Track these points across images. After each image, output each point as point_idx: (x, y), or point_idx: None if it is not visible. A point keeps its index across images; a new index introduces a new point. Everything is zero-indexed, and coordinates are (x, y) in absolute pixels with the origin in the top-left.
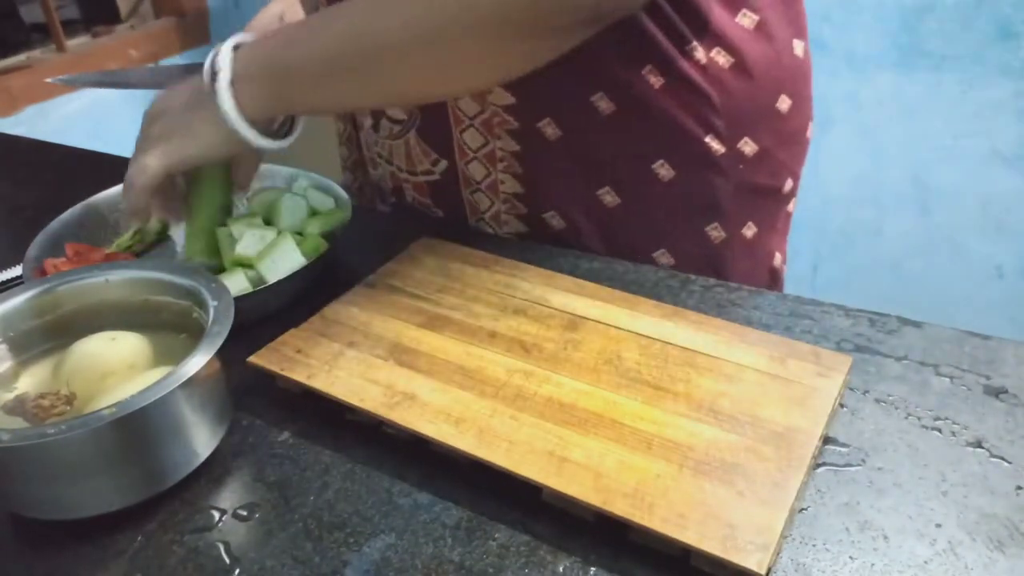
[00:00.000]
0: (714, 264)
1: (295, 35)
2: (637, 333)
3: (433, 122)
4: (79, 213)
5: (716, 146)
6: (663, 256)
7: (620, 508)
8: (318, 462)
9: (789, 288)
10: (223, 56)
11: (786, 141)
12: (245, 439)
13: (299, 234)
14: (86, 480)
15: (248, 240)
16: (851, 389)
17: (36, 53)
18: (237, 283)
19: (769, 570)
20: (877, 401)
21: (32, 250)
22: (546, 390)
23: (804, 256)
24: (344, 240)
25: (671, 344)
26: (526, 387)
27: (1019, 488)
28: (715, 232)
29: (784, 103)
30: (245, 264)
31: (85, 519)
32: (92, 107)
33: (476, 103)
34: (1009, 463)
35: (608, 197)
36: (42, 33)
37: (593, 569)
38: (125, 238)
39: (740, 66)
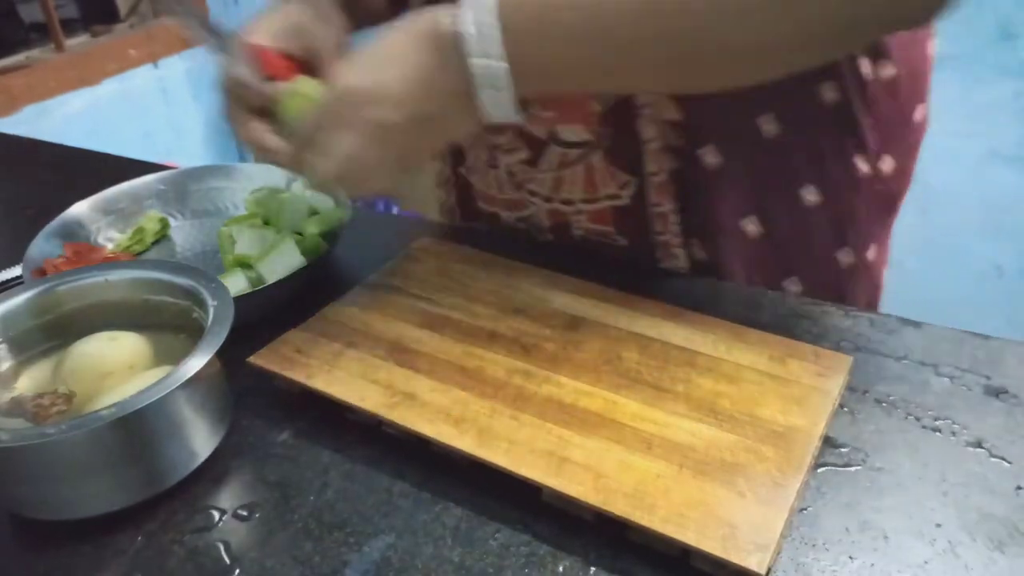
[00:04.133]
0: (840, 290)
1: (593, 22)
2: (637, 333)
3: (623, 140)
4: (79, 213)
5: (862, 166)
6: (792, 284)
7: (620, 508)
8: (318, 462)
9: None
10: (484, 15)
11: (913, 152)
12: (245, 439)
13: (299, 234)
14: (86, 480)
15: (248, 240)
16: (851, 389)
17: (35, 53)
18: (237, 283)
19: (769, 570)
20: (877, 401)
21: (32, 250)
22: (546, 390)
23: None
24: (344, 240)
25: (671, 344)
26: (526, 387)
27: (1019, 488)
28: (845, 257)
29: (919, 113)
30: (245, 264)
31: (85, 519)
32: (92, 107)
33: (653, 124)
34: (1009, 463)
35: (751, 227)
36: (41, 33)
37: (593, 569)
38: (124, 239)
39: (898, 79)
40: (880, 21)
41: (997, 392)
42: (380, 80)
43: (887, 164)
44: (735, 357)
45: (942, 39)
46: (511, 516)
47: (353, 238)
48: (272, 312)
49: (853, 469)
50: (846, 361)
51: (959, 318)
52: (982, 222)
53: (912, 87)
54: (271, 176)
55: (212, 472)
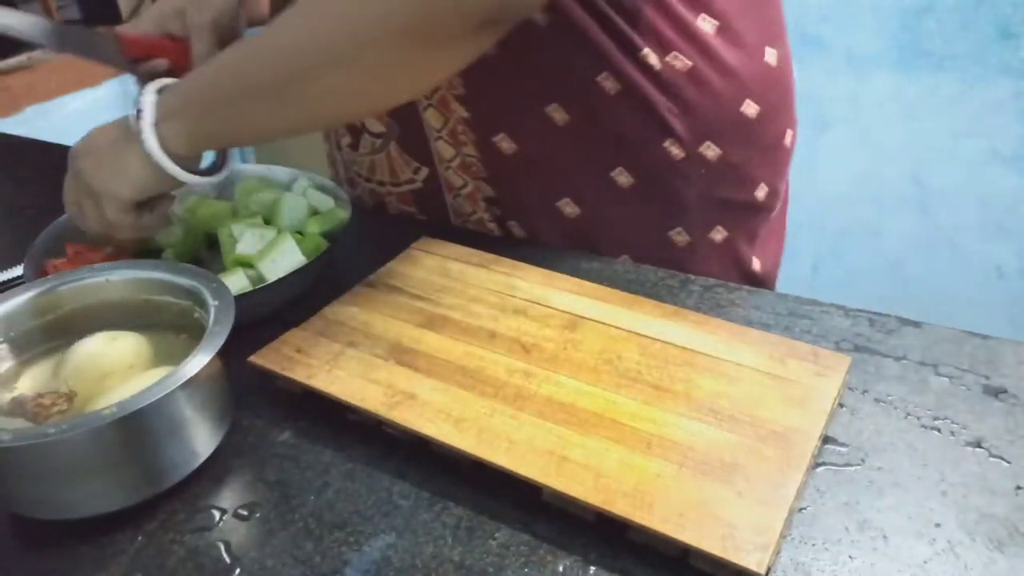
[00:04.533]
0: (679, 267)
1: (211, 69)
2: (637, 333)
3: (411, 132)
4: None
5: (676, 151)
6: (626, 262)
7: (620, 508)
8: (318, 462)
9: (788, 288)
10: (147, 97)
11: (756, 148)
12: (245, 439)
13: (299, 234)
14: (86, 480)
15: (248, 239)
16: (850, 389)
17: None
18: (237, 282)
19: (768, 570)
20: (876, 401)
21: (32, 250)
22: (546, 390)
23: (803, 256)
24: (344, 240)
25: (671, 344)
26: (526, 387)
27: (1018, 488)
28: (679, 236)
29: (751, 108)
30: (245, 263)
31: (85, 519)
32: (92, 107)
33: (440, 115)
34: (1008, 463)
35: (568, 208)
36: None
37: (593, 568)
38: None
39: (699, 71)
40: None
41: (996, 392)
42: (101, 129)
43: (711, 151)
44: (735, 357)
45: (942, 39)
46: (511, 516)
47: (353, 238)
48: (272, 312)
49: (852, 469)
50: (845, 361)
51: (959, 318)
52: (982, 222)
53: (735, 83)
54: (271, 176)
55: (212, 472)
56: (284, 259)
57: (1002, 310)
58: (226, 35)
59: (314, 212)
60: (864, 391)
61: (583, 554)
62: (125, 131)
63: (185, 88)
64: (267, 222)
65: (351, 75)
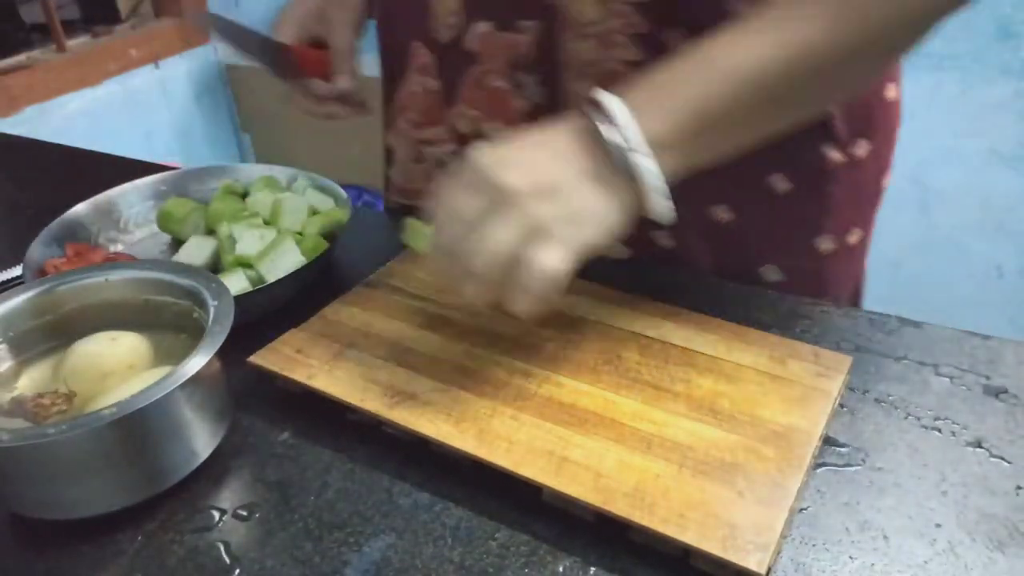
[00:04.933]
0: (821, 275)
1: (700, 85)
2: (637, 333)
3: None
4: (79, 213)
5: (833, 154)
6: (772, 272)
7: (620, 508)
8: (318, 462)
9: None
10: (625, 123)
11: (891, 131)
12: (245, 439)
13: (299, 234)
14: (86, 480)
15: (248, 240)
16: (851, 389)
17: (36, 53)
18: (237, 283)
19: (769, 570)
20: (877, 401)
21: (32, 250)
22: (546, 390)
23: None
24: (344, 240)
25: (671, 344)
26: (526, 387)
27: (1019, 488)
28: (824, 244)
29: (892, 91)
30: (245, 264)
31: (85, 519)
32: (93, 108)
33: None
34: (1009, 463)
35: (723, 214)
36: (42, 33)
37: (593, 569)
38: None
39: None
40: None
41: (997, 392)
42: (535, 163)
43: (861, 149)
44: (735, 357)
45: (942, 39)
46: (511, 516)
47: (353, 238)
48: (272, 312)
49: (853, 469)
50: (846, 361)
51: (959, 318)
52: (982, 222)
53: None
54: (271, 176)
55: (212, 472)
56: (284, 259)
57: (1002, 310)
58: (360, 31)
59: (314, 212)
60: (865, 391)
61: (583, 555)
62: (594, 163)
63: (674, 108)
64: (267, 222)
65: (870, 58)
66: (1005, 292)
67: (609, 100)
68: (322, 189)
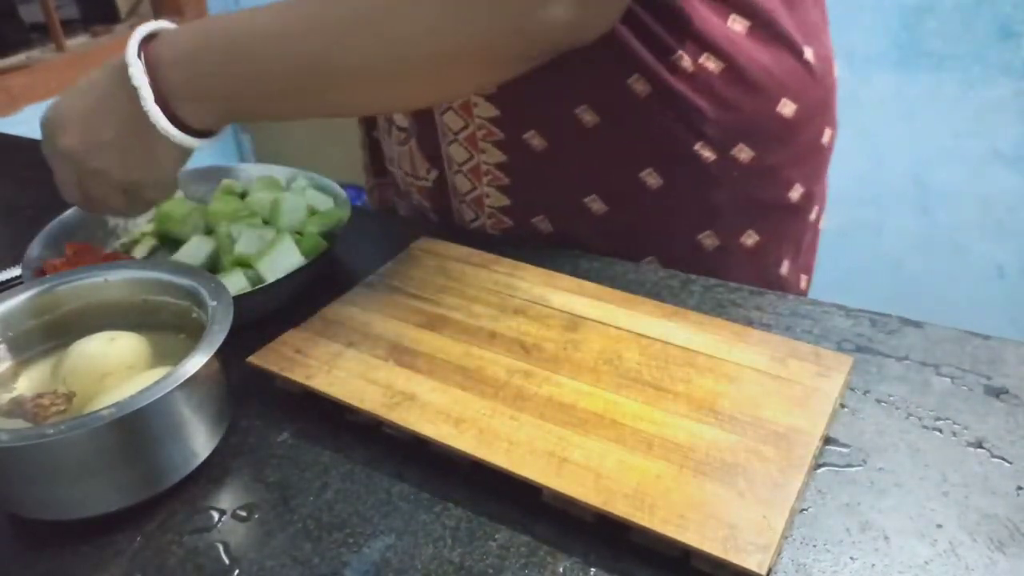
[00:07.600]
0: (709, 272)
1: (237, 46)
2: (637, 333)
3: (427, 132)
4: (79, 213)
5: (707, 154)
6: (652, 263)
7: (620, 509)
8: (318, 462)
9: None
10: (136, 70)
11: (792, 148)
12: (245, 439)
13: (299, 233)
14: (86, 480)
15: (247, 239)
16: (852, 389)
17: (36, 53)
18: (236, 282)
19: (770, 571)
20: (878, 401)
21: (32, 250)
22: (546, 390)
23: None
24: (344, 240)
25: (671, 344)
26: (526, 387)
27: (1020, 488)
28: (708, 240)
29: (787, 108)
30: (244, 264)
31: (84, 519)
32: None
33: (461, 118)
34: (1010, 463)
35: (596, 204)
36: (41, 33)
37: (593, 570)
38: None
39: (732, 72)
40: (479, 54)
41: (998, 392)
42: (64, 109)
43: (744, 153)
44: (736, 357)
45: (943, 39)
46: (511, 516)
47: (353, 238)
48: (272, 312)
49: (854, 469)
50: (847, 361)
51: (960, 318)
52: (982, 222)
53: (771, 82)
54: (271, 176)
55: (212, 472)
56: (283, 259)
57: (1003, 310)
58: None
59: (313, 212)
60: (866, 391)
61: (583, 555)
62: (129, 117)
63: (204, 64)
64: (266, 222)
65: (407, 84)
66: (1006, 292)
67: (133, 46)
68: (322, 189)
